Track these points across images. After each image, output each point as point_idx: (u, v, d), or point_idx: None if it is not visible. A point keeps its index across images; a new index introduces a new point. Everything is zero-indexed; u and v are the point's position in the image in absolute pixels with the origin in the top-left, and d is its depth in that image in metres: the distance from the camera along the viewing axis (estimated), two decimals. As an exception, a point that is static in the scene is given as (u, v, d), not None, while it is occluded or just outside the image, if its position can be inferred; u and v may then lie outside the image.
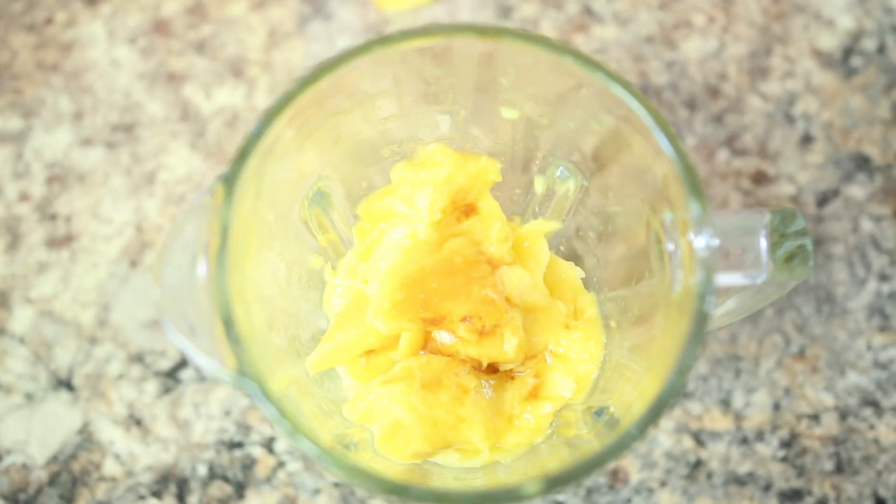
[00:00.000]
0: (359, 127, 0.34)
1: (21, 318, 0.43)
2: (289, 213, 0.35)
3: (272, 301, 0.34)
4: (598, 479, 0.41)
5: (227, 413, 0.42)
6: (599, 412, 0.33)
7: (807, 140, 0.46)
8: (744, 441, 0.41)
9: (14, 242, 0.45)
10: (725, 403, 0.42)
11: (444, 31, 0.29)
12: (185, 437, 0.42)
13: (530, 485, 0.26)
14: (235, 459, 0.41)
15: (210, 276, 0.28)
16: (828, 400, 0.42)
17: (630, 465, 0.41)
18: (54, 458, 0.42)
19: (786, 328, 0.43)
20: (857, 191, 0.45)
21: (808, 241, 0.29)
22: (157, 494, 0.41)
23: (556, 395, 0.35)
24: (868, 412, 0.42)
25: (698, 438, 0.41)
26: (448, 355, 0.34)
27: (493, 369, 0.35)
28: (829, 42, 0.47)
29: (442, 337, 0.34)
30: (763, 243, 0.29)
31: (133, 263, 0.44)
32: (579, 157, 0.34)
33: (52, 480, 0.41)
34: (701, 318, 0.27)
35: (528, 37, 0.29)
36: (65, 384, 0.43)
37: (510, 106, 0.33)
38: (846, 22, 0.47)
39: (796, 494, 0.41)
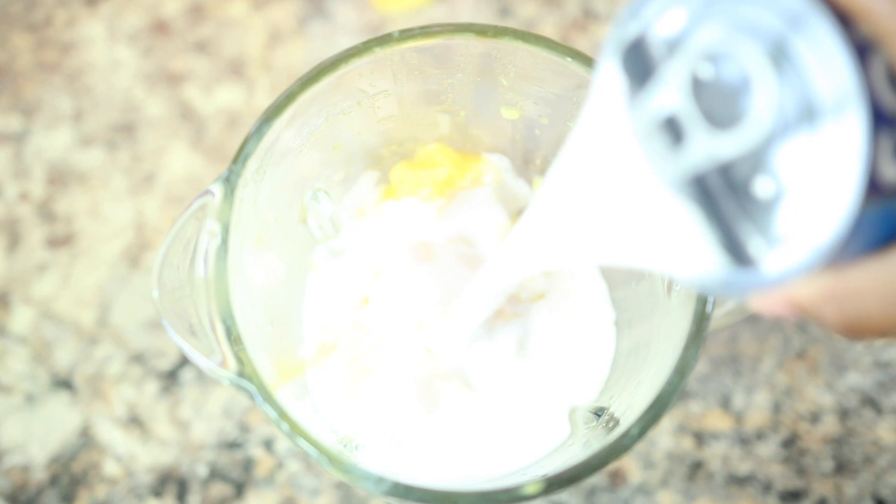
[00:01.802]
0: (359, 127, 0.34)
1: (21, 318, 0.43)
2: (289, 213, 0.35)
3: (272, 301, 0.34)
4: (598, 479, 0.41)
5: (227, 413, 0.42)
6: (599, 412, 0.33)
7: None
8: (744, 441, 0.41)
9: (14, 242, 0.45)
10: (725, 403, 0.42)
11: (444, 31, 0.29)
12: (185, 438, 0.42)
13: (530, 485, 0.26)
14: (235, 459, 0.41)
15: (210, 276, 0.28)
16: (828, 400, 0.42)
17: (630, 465, 0.41)
18: (54, 459, 0.42)
19: (786, 328, 0.43)
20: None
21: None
22: (157, 495, 0.41)
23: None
24: (868, 412, 0.42)
25: (698, 438, 0.41)
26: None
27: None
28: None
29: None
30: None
31: (133, 263, 0.44)
32: (579, 157, 0.34)
33: (52, 481, 0.41)
34: (701, 318, 0.27)
35: (528, 37, 0.29)
36: (65, 384, 0.43)
37: (510, 106, 0.33)
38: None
39: (796, 494, 0.41)
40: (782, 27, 0.17)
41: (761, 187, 0.17)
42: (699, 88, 0.18)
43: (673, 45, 0.18)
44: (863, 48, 0.16)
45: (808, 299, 0.18)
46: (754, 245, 0.17)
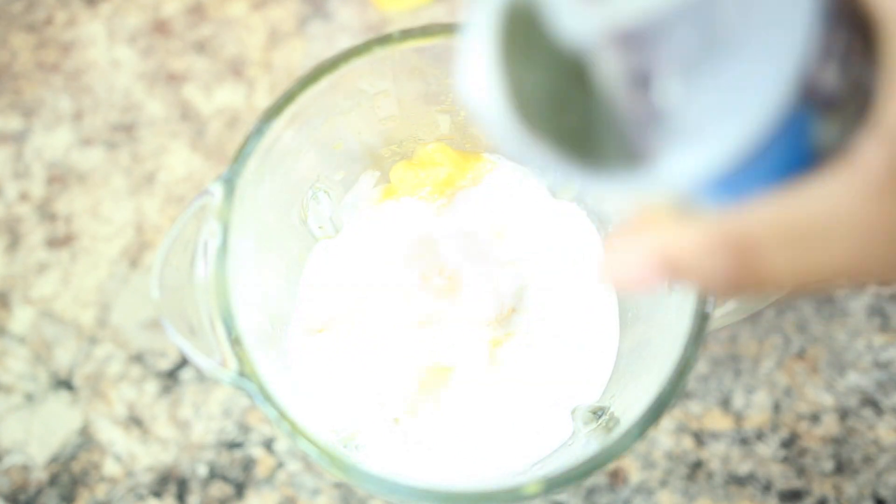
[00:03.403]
0: (359, 127, 0.34)
1: (21, 318, 0.43)
2: (289, 213, 0.35)
3: (272, 301, 0.34)
4: (598, 479, 0.41)
5: (227, 413, 0.42)
6: (599, 412, 0.33)
7: (807, 140, 0.45)
8: (744, 441, 0.41)
9: (14, 242, 0.45)
10: (725, 403, 0.42)
11: (444, 31, 0.29)
12: (185, 438, 0.42)
13: (530, 485, 0.26)
14: (235, 459, 0.41)
15: (210, 276, 0.28)
16: (828, 400, 0.42)
17: (630, 465, 0.41)
18: (54, 458, 0.42)
19: (786, 328, 0.43)
20: (857, 191, 0.45)
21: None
22: (157, 495, 0.41)
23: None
24: (868, 412, 0.42)
25: (698, 438, 0.41)
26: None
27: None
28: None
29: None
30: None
31: (133, 263, 0.44)
32: (579, 157, 0.34)
33: (52, 480, 0.41)
34: (701, 318, 0.27)
35: (528, 37, 0.29)
36: (65, 384, 0.43)
37: (510, 106, 0.33)
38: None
39: (796, 494, 0.41)
40: None
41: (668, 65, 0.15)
42: None
43: None
44: None
45: (690, 250, 0.16)
46: (654, 137, 0.15)
